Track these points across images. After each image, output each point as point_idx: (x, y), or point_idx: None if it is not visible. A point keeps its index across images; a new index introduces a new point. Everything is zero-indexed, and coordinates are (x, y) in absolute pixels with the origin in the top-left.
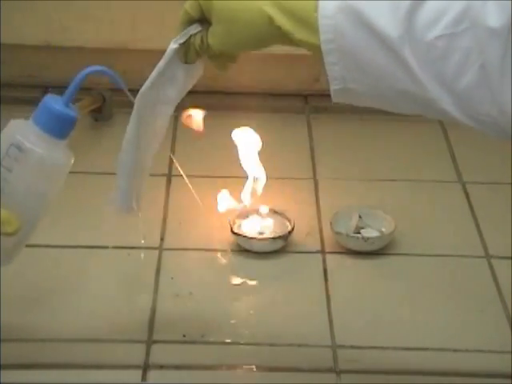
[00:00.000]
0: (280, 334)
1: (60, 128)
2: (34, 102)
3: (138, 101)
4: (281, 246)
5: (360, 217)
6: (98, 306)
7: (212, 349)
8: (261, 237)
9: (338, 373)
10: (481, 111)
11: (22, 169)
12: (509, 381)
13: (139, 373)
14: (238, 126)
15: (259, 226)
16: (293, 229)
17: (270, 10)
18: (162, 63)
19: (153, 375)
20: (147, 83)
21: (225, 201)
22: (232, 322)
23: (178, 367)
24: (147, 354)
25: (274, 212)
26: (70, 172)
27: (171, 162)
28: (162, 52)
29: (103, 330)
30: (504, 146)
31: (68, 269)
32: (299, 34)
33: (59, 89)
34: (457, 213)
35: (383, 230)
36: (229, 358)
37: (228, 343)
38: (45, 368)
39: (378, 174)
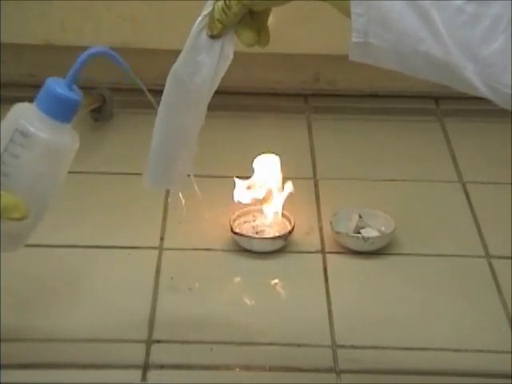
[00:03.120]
0: (280, 334)
1: (64, 111)
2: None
3: (169, 79)
4: (281, 246)
5: (360, 217)
6: (98, 306)
7: (212, 349)
8: (261, 237)
9: (338, 373)
10: (502, 80)
11: (28, 154)
12: (509, 381)
13: (139, 373)
14: (238, 127)
15: (259, 226)
16: (293, 229)
17: None
18: (190, 38)
19: (153, 375)
20: (178, 60)
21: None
22: (232, 321)
23: (177, 367)
24: (147, 354)
25: (274, 212)
26: (70, 172)
27: None
28: (162, 52)
29: (103, 330)
30: (504, 145)
31: (68, 269)
32: None
33: None
34: (457, 213)
35: (383, 229)
36: (229, 358)
37: (228, 343)
38: (45, 368)
39: (378, 174)
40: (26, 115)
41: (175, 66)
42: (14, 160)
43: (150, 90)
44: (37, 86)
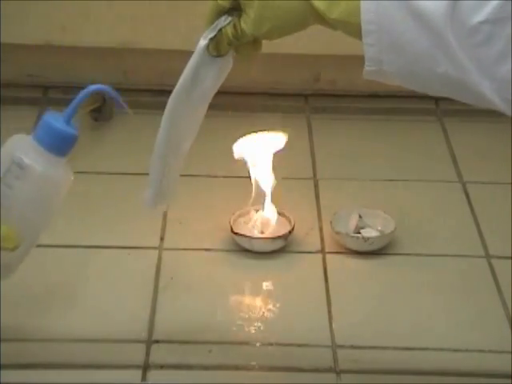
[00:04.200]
0: (280, 334)
1: (61, 146)
2: (34, 102)
3: (171, 101)
4: (281, 246)
5: (360, 217)
6: (98, 306)
7: (212, 349)
8: (261, 237)
9: (338, 373)
10: None
11: (22, 186)
12: (509, 381)
13: (139, 373)
14: (238, 127)
15: (259, 226)
16: (293, 229)
17: None
18: (193, 61)
19: (153, 375)
20: (180, 84)
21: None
22: (232, 321)
23: (177, 367)
24: (147, 354)
25: (274, 212)
26: None
27: None
28: (162, 52)
29: (103, 330)
30: (504, 146)
31: (68, 269)
32: (337, 13)
33: (59, 88)
34: (457, 213)
35: (383, 230)
36: (229, 358)
37: (228, 343)
38: (45, 368)
39: (378, 174)
40: (22, 147)
41: (177, 88)
42: (8, 190)
43: (149, 90)
44: (37, 87)
